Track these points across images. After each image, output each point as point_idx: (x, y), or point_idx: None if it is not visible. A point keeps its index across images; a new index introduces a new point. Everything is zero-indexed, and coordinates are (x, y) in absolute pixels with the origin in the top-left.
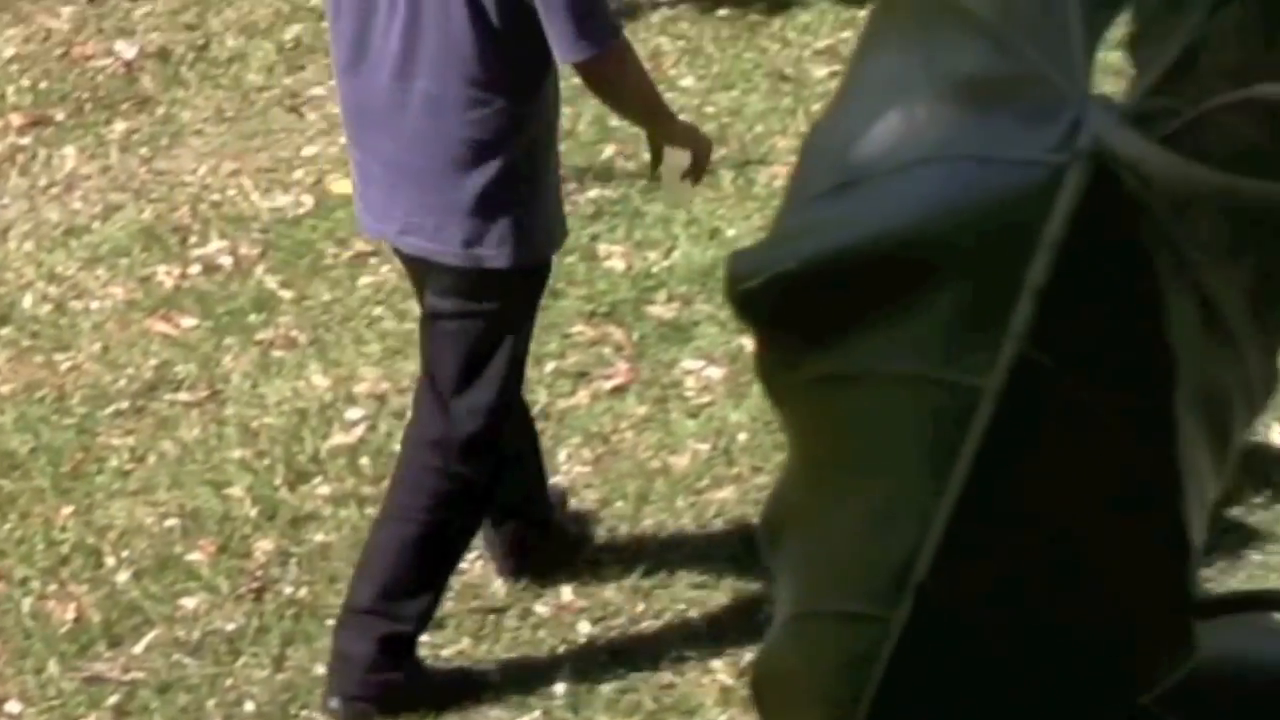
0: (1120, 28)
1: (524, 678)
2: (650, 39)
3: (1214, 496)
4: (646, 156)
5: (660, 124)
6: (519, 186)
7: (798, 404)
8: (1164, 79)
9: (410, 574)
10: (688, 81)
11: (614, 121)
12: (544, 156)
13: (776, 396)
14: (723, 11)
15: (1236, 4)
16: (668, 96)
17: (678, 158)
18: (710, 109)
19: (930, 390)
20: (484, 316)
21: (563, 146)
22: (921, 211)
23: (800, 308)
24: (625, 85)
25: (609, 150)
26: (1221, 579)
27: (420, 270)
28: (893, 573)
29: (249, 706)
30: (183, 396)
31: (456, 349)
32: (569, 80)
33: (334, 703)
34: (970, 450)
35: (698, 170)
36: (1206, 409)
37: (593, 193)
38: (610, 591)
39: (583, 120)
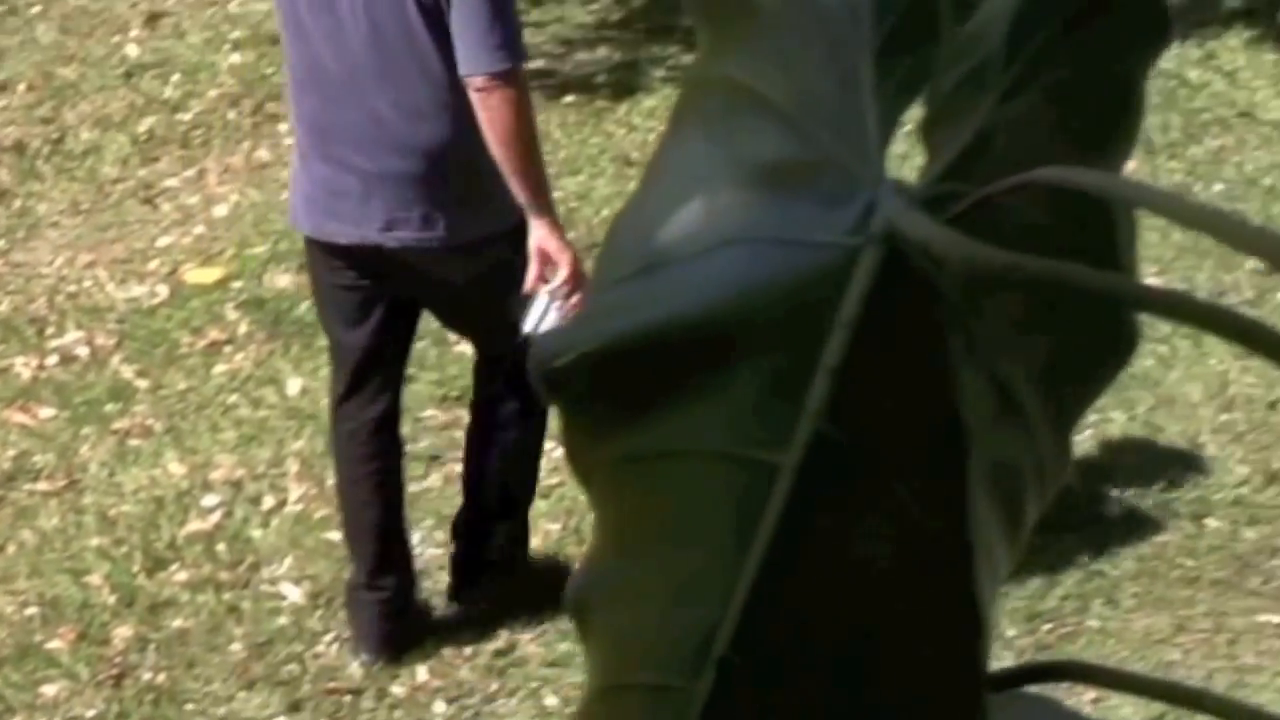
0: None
1: None
2: None
3: (1006, 572)
4: None
5: (533, 172)
6: (484, 188)
7: (604, 480)
8: (956, 163)
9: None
10: None
11: None
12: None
13: (582, 473)
14: (569, 98)
15: (1024, 93)
16: None
17: (545, 258)
18: (559, 193)
19: (732, 466)
20: (499, 266)
21: None
22: (722, 292)
23: (605, 386)
24: (525, 108)
25: None
26: (1061, 645)
27: (406, 263)
28: (696, 645)
29: None
30: (41, 486)
31: (491, 299)
32: None
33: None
34: (770, 524)
35: (569, 274)
36: (999, 485)
37: None
38: (465, 671)
39: None
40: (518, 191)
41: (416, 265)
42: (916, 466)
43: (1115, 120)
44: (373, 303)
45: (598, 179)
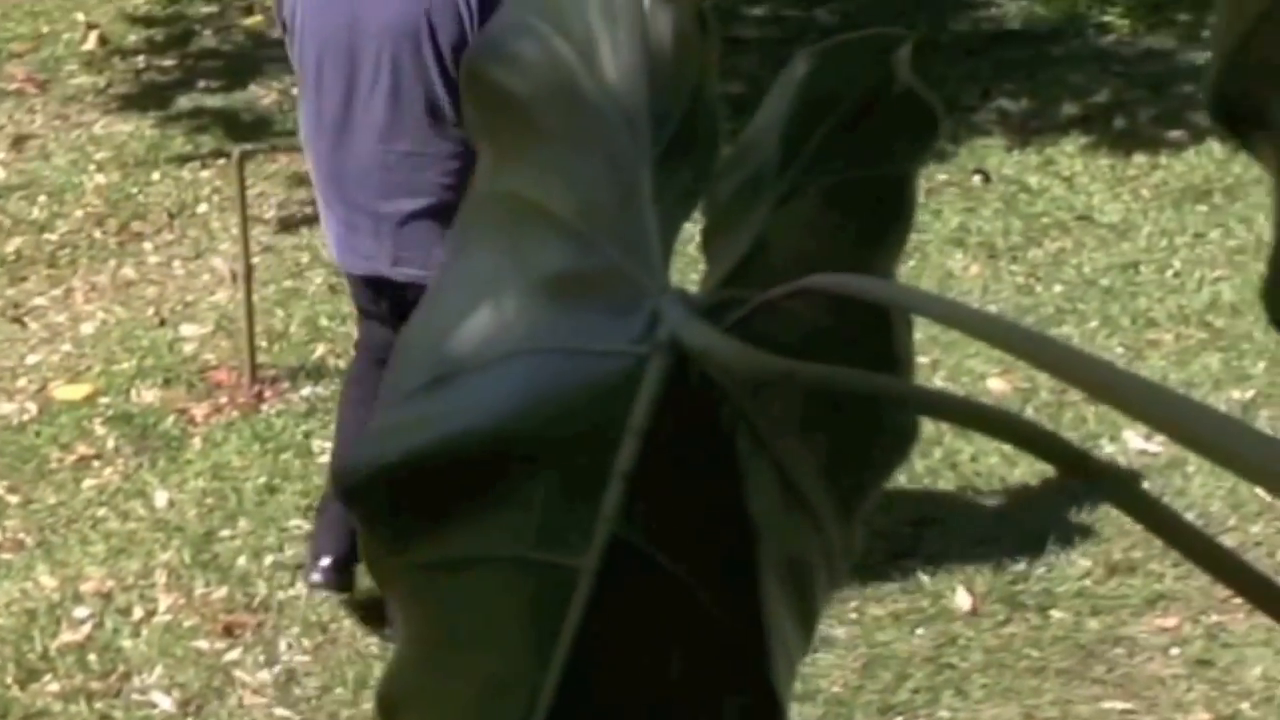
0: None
1: None
2: None
3: (800, 658)
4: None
5: None
6: None
7: (406, 588)
8: (736, 270)
9: None
10: None
11: (324, 321)
12: None
13: (384, 581)
14: None
15: (800, 197)
16: None
17: None
18: None
19: (532, 571)
20: None
21: (275, 348)
22: (514, 403)
23: (403, 499)
24: None
25: (320, 350)
26: None
27: (413, 292)
28: None
29: None
30: None
31: None
32: (279, 283)
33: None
34: (572, 628)
35: None
36: (791, 576)
37: (305, 390)
38: None
39: (294, 322)
40: None
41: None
42: (710, 563)
43: (890, 219)
44: (388, 320)
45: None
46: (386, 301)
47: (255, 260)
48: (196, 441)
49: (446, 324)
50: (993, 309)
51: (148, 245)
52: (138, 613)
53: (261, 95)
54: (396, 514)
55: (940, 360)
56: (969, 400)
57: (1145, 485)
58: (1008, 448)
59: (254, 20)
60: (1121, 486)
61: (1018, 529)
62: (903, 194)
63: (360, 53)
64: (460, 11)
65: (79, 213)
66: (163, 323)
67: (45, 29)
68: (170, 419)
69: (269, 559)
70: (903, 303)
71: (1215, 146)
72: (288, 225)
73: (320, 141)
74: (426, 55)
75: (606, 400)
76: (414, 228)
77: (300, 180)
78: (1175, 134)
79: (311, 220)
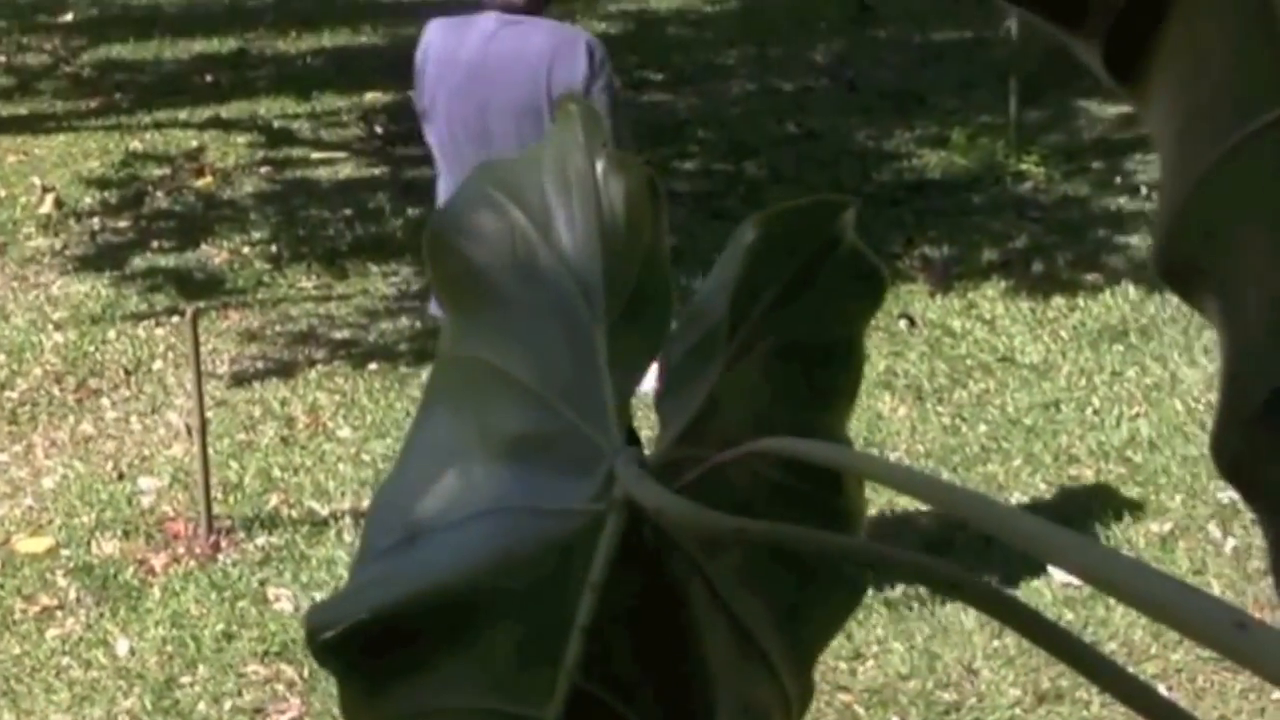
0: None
1: None
2: (308, 394)
3: None
4: (309, 505)
5: None
6: None
7: None
8: (688, 430)
9: None
10: (344, 432)
11: (276, 473)
12: None
13: None
14: (373, 365)
15: (748, 359)
16: (326, 448)
17: None
18: (366, 456)
19: None
20: None
21: (230, 499)
22: (479, 560)
23: (376, 652)
24: None
25: (273, 500)
26: None
27: None
28: None
29: None
30: None
31: None
32: (233, 436)
33: None
34: None
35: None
36: None
37: (260, 540)
38: None
39: (248, 474)
40: None
41: None
42: (670, 712)
43: (837, 377)
44: None
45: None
46: None
47: (209, 415)
48: (156, 591)
49: (415, 486)
50: (921, 449)
51: (105, 401)
52: None
53: (213, 254)
54: (370, 667)
55: (873, 497)
56: (906, 553)
57: (1070, 616)
58: None
59: (204, 182)
60: (991, 596)
61: (949, 660)
62: (850, 354)
63: (492, 130)
64: (575, 91)
65: (38, 370)
66: (121, 476)
67: (2, 193)
68: (130, 569)
69: (228, 704)
70: (845, 465)
71: (1130, 289)
72: (240, 380)
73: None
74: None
75: (566, 557)
76: None
77: (252, 336)
78: (1092, 277)
79: (263, 375)
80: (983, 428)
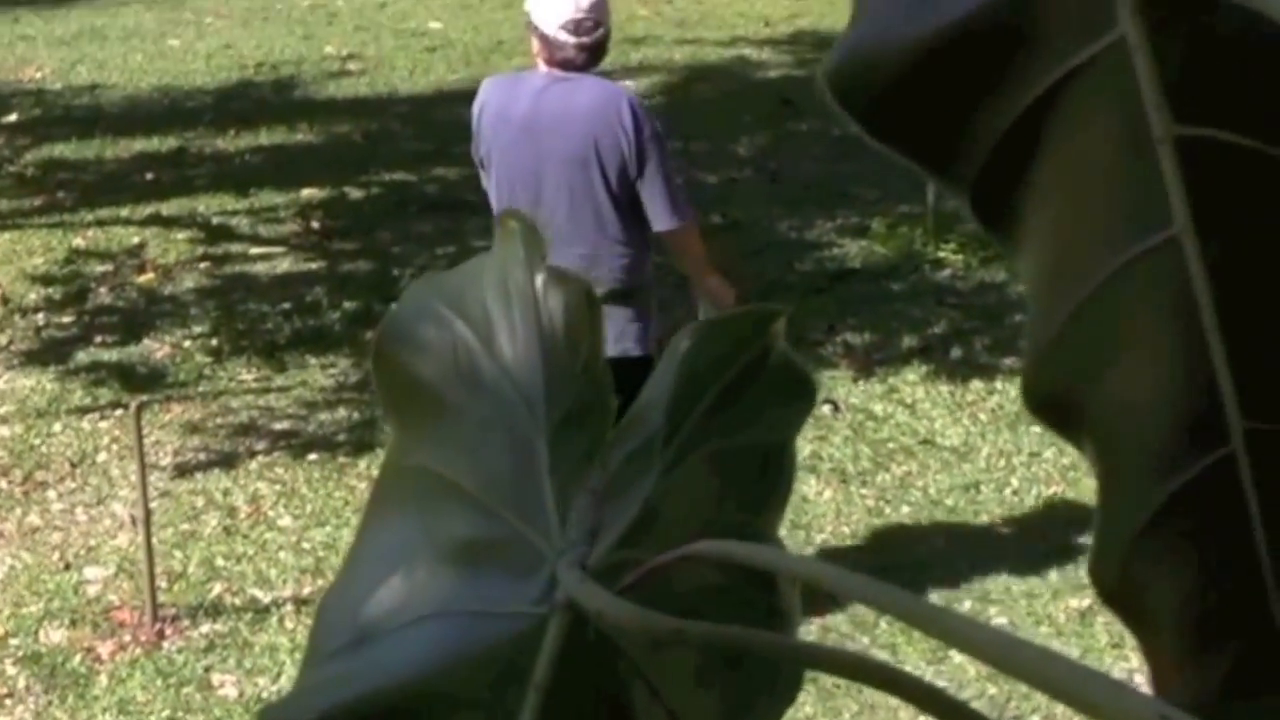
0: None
1: None
2: (250, 484)
3: None
4: (251, 592)
5: (707, 279)
6: (648, 304)
7: None
8: (627, 534)
9: None
10: (285, 521)
11: (220, 562)
12: (654, 284)
13: None
14: (313, 456)
15: (685, 465)
16: (267, 536)
17: (718, 298)
18: (306, 545)
19: None
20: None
21: (175, 588)
22: (425, 662)
23: None
24: (698, 249)
25: (217, 588)
26: None
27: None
28: None
29: None
30: None
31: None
32: (177, 526)
33: None
34: None
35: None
36: None
37: (204, 628)
38: None
39: (192, 563)
40: (699, 282)
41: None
42: None
43: (770, 481)
44: None
45: (343, 529)
46: None
47: (153, 505)
48: (103, 678)
49: (363, 590)
50: (846, 530)
51: (51, 493)
52: None
53: (155, 349)
54: None
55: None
56: (839, 650)
57: (993, 690)
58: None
59: (146, 278)
60: (919, 689)
61: None
62: (782, 460)
63: (544, 180)
64: (621, 145)
65: None
66: (68, 566)
67: None
68: (77, 658)
69: None
70: (778, 567)
71: None
72: (183, 471)
73: None
74: (595, 179)
75: (511, 659)
76: None
77: (194, 429)
78: (1009, 361)
79: (205, 466)
80: (906, 509)
